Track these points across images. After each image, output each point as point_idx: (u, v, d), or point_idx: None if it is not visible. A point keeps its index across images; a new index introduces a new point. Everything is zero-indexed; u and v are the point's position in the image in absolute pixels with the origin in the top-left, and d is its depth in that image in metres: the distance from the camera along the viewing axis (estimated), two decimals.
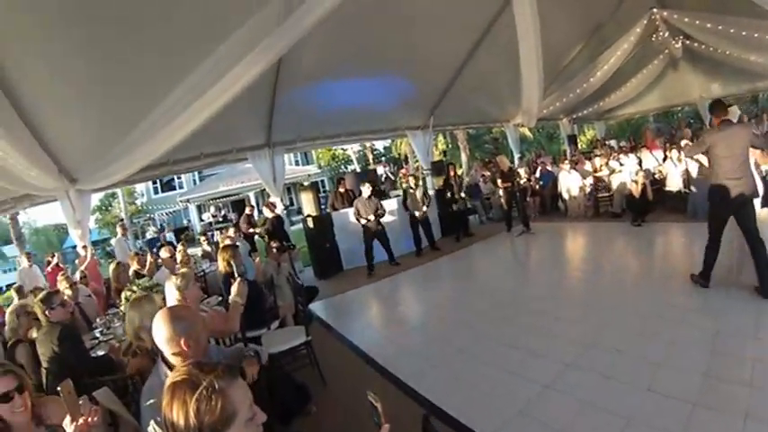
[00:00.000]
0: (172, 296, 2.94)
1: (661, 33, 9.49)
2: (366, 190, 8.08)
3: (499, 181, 9.28)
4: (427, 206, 8.78)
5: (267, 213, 9.32)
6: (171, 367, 1.78)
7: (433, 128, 10.64)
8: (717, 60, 9.76)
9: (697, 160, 6.20)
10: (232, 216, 21.91)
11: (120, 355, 3.06)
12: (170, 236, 20.19)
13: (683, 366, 3.18)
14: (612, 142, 13.34)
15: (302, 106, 7.91)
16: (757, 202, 4.39)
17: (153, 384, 1.79)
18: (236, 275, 3.46)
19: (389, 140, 24.87)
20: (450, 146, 23.09)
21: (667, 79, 12.06)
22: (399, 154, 25.76)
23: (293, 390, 3.30)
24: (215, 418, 1.05)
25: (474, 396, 3.26)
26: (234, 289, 3.03)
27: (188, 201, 24.47)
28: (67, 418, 1.59)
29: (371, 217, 7.85)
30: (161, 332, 1.83)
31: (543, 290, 5.46)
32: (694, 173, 7.51)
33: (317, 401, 3.49)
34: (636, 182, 8.28)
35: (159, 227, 25.06)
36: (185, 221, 26.02)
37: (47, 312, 3.52)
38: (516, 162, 12.44)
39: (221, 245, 5.76)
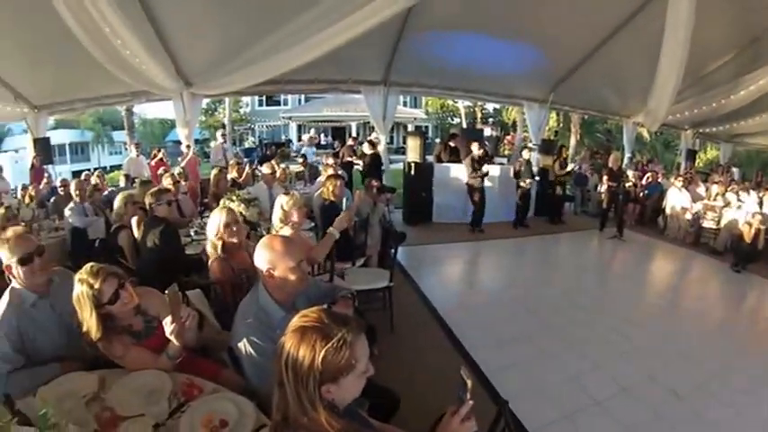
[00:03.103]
0: (276, 214, 3.33)
1: None
2: (476, 149, 8.02)
3: (605, 177, 8.76)
4: (534, 181, 8.78)
5: (366, 149, 9.34)
6: (272, 294, 1.91)
7: (551, 105, 10.37)
8: None
9: None
10: (327, 141, 22.27)
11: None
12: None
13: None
14: (735, 171, 11.99)
15: (426, 53, 8.01)
16: None
17: (250, 305, 1.94)
18: (342, 207, 3.39)
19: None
20: (561, 126, 20.67)
21: None
22: (508, 120, 23.35)
23: None
24: (338, 366, 1.15)
25: (526, 391, 3.36)
26: (338, 220, 3.25)
27: (290, 118, 26.30)
28: (168, 318, 1.83)
29: (475, 175, 7.85)
30: (267, 258, 1.91)
31: (622, 304, 5.39)
32: None
33: (380, 345, 3.38)
34: (750, 224, 7.13)
35: (258, 138, 25.97)
36: (283, 137, 25.77)
37: (153, 206, 3.71)
38: (625, 162, 10.99)
39: (327, 172, 5.90)
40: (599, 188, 9.57)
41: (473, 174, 7.95)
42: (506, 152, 10.65)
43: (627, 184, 9.32)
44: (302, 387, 1.15)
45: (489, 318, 4.68)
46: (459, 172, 8.46)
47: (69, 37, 5.09)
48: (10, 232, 2.15)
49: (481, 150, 8.20)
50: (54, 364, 2.02)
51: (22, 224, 4.46)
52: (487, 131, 16.98)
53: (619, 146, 12.70)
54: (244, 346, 1.81)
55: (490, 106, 25.08)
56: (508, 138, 17.41)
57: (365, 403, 1.77)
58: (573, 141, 12.84)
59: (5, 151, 21.89)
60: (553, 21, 7.25)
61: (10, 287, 2.11)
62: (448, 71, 8.90)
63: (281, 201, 3.39)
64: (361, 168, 9.56)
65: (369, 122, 11.67)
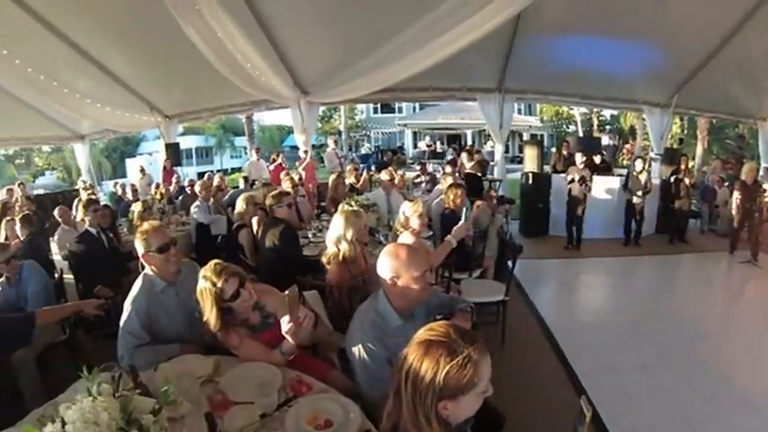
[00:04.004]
0: (398, 220, 3.48)
1: None
2: (579, 159, 7.67)
3: (737, 192, 7.62)
4: (646, 194, 7.87)
5: (465, 160, 8.20)
6: (392, 302, 1.91)
7: (674, 109, 9.35)
8: None
9: None
10: (443, 149, 22.54)
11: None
12: None
13: None
14: None
15: (540, 58, 7.93)
16: None
17: (368, 311, 1.95)
18: (463, 218, 3.45)
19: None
20: (686, 132, 18.96)
21: None
22: (625, 127, 22.49)
23: None
24: (460, 384, 1.14)
25: (637, 428, 3.07)
26: (456, 229, 3.27)
27: (405, 125, 26.61)
28: (286, 317, 1.90)
29: (576, 187, 7.46)
30: (392, 266, 1.88)
31: (754, 342, 4.52)
32: None
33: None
34: None
35: (374, 145, 27.10)
36: (399, 144, 26.97)
37: (274, 207, 3.94)
38: (761, 173, 9.27)
39: (446, 181, 5.73)
40: (729, 204, 8.14)
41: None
42: (626, 162, 9.33)
43: (764, 200, 7.77)
44: (419, 400, 1.14)
45: (604, 342, 4.38)
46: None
47: (196, 55, 5.60)
48: (147, 225, 2.41)
49: (582, 160, 7.59)
50: (175, 344, 2.23)
51: (155, 218, 5.00)
52: (605, 140, 15.53)
53: (753, 154, 10.95)
54: (358, 351, 1.83)
55: (607, 113, 23.23)
56: (627, 146, 15.90)
57: (471, 420, 1.70)
58: (700, 149, 11.46)
59: (141, 154, 25.18)
60: (672, 14, 6.53)
61: (143, 273, 2.37)
62: (562, 76, 8.47)
63: (405, 207, 3.46)
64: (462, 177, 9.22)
65: (484, 130, 11.24)
